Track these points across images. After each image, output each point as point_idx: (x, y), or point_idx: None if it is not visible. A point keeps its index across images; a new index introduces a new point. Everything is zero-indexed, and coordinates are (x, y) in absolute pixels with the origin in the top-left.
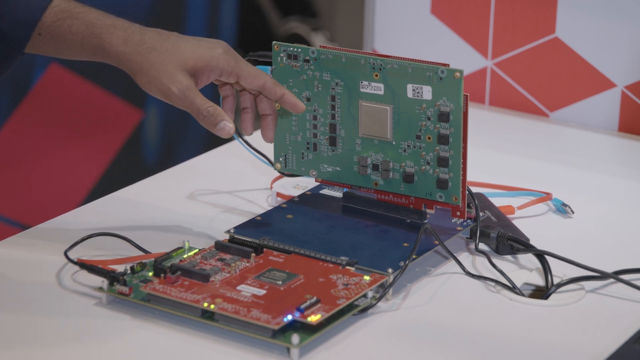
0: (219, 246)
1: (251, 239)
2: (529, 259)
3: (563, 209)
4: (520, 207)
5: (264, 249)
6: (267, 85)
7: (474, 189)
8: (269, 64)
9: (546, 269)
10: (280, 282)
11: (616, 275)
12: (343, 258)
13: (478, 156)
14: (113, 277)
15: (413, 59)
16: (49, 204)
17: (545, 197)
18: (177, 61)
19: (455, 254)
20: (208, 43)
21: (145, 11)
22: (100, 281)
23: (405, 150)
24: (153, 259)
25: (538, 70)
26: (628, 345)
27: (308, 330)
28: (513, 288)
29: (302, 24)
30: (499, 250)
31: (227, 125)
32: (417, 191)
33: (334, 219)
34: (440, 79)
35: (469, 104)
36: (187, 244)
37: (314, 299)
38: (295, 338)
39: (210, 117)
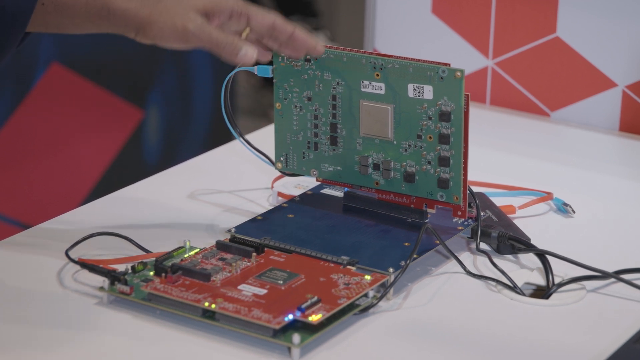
0: (220, 246)
1: (252, 238)
2: (530, 258)
3: (564, 208)
4: (521, 207)
5: (265, 249)
6: (278, 22)
7: (475, 189)
8: (270, 63)
9: (547, 269)
10: (281, 282)
11: (617, 274)
12: (344, 257)
13: (479, 156)
14: (114, 277)
15: (414, 59)
16: (50, 204)
17: (546, 196)
18: (187, 4)
19: (456, 254)
20: None
21: None
22: (101, 281)
23: (406, 150)
24: (154, 258)
25: (539, 70)
26: (629, 345)
27: (309, 329)
28: (514, 287)
29: (303, 24)
30: (500, 250)
31: (249, 51)
32: (418, 191)
33: (335, 218)
34: (441, 78)
35: (470, 103)
36: (188, 243)
37: (315, 298)
38: (296, 337)
39: (230, 46)
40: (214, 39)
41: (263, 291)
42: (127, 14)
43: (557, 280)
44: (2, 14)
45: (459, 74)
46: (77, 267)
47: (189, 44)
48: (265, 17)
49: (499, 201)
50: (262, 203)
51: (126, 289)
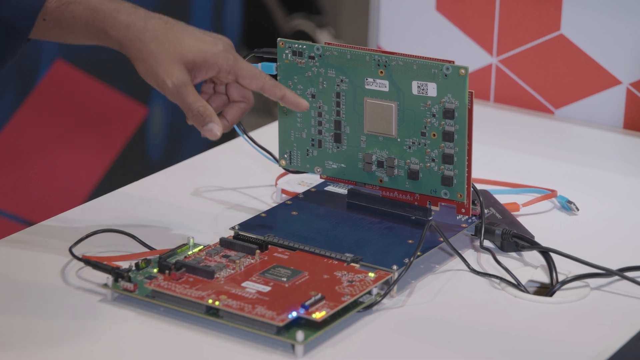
0: (224, 243)
1: (256, 235)
2: (533, 256)
3: (568, 206)
4: (525, 204)
5: (269, 246)
6: (267, 86)
7: (479, 186)
8: (274, 60)
9: (551, 266)
10: (284, 279)
11: (621, 272)
12: (348, 255)
13: (483, 153)
14: (118, 274)
15: (418, 56)
16: (54, 201)
17: (550, 194)
18: (177, 53)
19: (460, 251)
20: (211, 38)
21: (149, 9)
22: (105, 278)
23: (410, 147)
24: (158, 255)
25: (543, 67)
26: (633, 342)
27: (313, 327)
28: (518, 285)
29: (307, 21)
30: (504, 247)
31: (215, 127)
32: (422, 188)
33: (339, 215)
34: (446, 75)
35: (474, 101)
36: (191, 240)
37: (319, 295)
38: (299, 335)
39: (199, 116)
40: (187, 105)
41: (267, 288)
42: (122, 42)
43: (560, 277)
44: (2, 26)
45: (463, 71)
46: (81, 264)
47: (165, 95)
48: (253, 79)
49: (502, 199)
50: (266, 200)
51: (130, 286)
